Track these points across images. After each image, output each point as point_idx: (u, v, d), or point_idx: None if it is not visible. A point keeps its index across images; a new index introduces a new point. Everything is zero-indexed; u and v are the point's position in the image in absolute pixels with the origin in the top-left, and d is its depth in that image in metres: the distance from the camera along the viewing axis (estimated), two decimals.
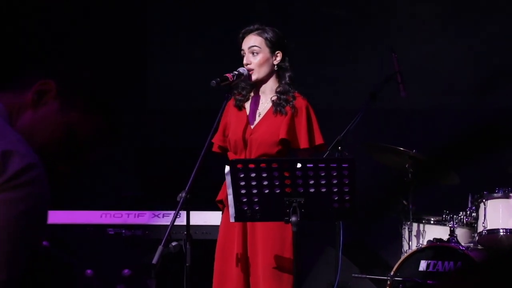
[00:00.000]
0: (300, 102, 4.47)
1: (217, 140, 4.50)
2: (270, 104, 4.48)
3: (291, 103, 4.44)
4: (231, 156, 4.46)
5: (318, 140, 4.45)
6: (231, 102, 4.54)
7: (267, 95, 4.52)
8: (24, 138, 1.92)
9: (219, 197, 4.48)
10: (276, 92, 4.48)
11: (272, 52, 4.49)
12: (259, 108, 4.51)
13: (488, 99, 6.83)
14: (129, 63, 7.27)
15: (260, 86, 4.52)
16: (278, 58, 4.50)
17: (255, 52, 4.48)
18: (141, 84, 7.38)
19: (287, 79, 4.48)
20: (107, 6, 7.14)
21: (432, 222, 5.95)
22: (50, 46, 7.07)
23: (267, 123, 4.45)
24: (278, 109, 4.44)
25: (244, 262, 4.38)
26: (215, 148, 4.50)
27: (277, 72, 4.51)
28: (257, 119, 4.48)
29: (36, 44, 7.08)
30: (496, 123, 6.60)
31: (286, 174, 3.95)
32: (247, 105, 4.53)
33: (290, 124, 4.42)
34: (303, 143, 4.42)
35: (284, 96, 4.45)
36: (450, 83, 6.95)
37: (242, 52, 4.52)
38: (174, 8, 7.34)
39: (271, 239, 4.36)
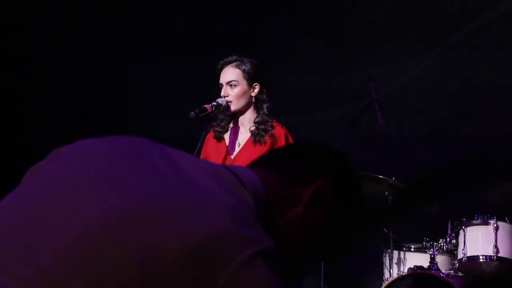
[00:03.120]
0: (279, 130, 4.49)
1: None
2: (249, 135, 4.50)
3: (269, 132, 4.46)
4: None
5: None
6: (210, 134, 4.56)
7: (246, 126, 4.54)
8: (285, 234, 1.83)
9: None
10: (255, 122, 4.50)
11: (250, 84, 4.52)
12: (238, 139, 4.53)
13: (467, 128, 6.88)
14: (108, 92, 7.27)
15: (239, 117, 4.54)
16: (256, 90, 4.52)
17: (233, 85, 4.50)
18: (121, 113, 7.38)
19: (265, 109, 4.51)
20: (86, 38, 7.15)
21: (412, 249, 5.96)
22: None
23: (247, 154, 4.47)
24: (257, 139, 4.46)
25: None
26: None
27: (255, 103, 4.54)
28: (237, 149, 4.50)
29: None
30: (475, 151, 6.64)
31: None
32: (226, 136, 4.55)
33: None
34: None
35: (263, 126, 4.48)
36: (428, 111, 7.00)
37: (220, 84, 4.55)
38: (154, 36, 7.37)
39: None
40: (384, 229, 5.92)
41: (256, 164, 1.94)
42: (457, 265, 5.74)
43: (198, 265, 1.67)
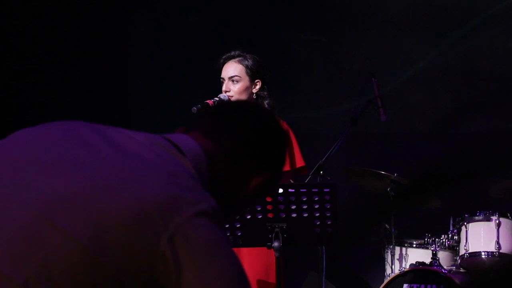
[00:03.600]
0: None
1: None
2: None
3: None
4: None
5: (299, 162, 4.48)
6: None
7: None
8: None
9: None
10: None
11: (252, 81, 4.51)
12: None
13: (469, 124, 6.88)
14: (111, 89, 7.28)
15: None
16: (258, 87, 4.53)
17: (235, 81, 4.50)
18: (123, 110, 7.39)
19: (266, 106, 4.51)
20: (88, 34, 7.15)
21: (414, 245, 5.96)
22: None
23: None
24: None
25: None
26: None
27: (255, 99, 4.54)
28: None
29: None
30: (477, 147, 6.64)
31: (268, 199, 3.96)
32: None
33: None
34: (285, 166, 4.45)
35: None
36: (430, 107, 7.00)
37: (221, 78, 4.55)
38: (155, 33, 7.37)
39: (255, 266, 4.36)
40: (386, 225, 5.93)
41: (193, 129, 2.01)
42: (459, 261, 5.74)
43: (141, 230, 1.72)
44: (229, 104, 2.54)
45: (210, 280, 1.74)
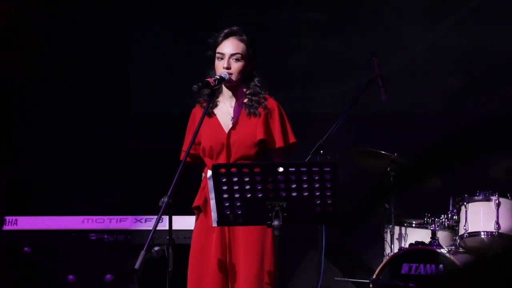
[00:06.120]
0: (272, 103, 4.48)
1: (186, 148, 4.45)
2: (242, 108, 4.48)
3: (263, 104, 4.45)
4: (207, 161, 4.45)
5: (292, 138, 4.48)
6: (197, 110, 4.53)
7: (236, 99, 4.51)
8: None
9: (195, 203, 4.47)
10: (247, 94, 4.48)
11: (250, 60, 4.49)
12: (230, 112, 4.51)
13: (469, 103, 6.87)
14: (110, 70, 7.26)
15: (231, 91, 4.51)
16: (253, 66, 4.51)
17: (237, 59, 4.47)
18: (122, 90, 7.37)
19: (256, 82, 4.49)
20: (88, 13, 7.13)
21: (413, 225, 5.98)
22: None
23: (243, 126, 4.45)
24: (252, 111, 4.44)
25: (223, 268, 4.37)
26: (182, 157, 4.42)
27: (247, 77, 4.51)
28: (231, 123, 4.48)
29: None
30: (477, 127, 6.63)
31: (269, 178, 3.96)
32: (216, 111, 4.51)
33: (265, 124, 4.45)
34: (278, 142, 4.45)
35: (256, 98, 4.47)
36: (431, 86, 6.99)
37: (219, 54, 4.47)
38: (156, 12, 7.34)
39: (251, 245, 4.35)
40: (386, 205, 5.93)
41: None
42: (458, 241, 5.75)
43: None
44: None
45: None
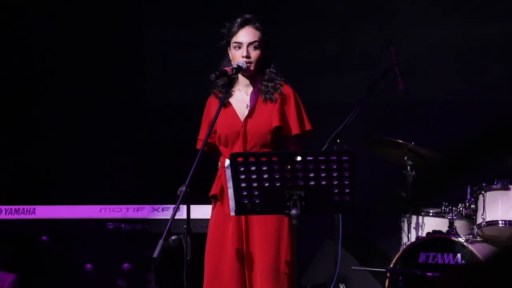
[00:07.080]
0: (288, 89, 4.48)
1: (203, 137, 4.46)
2: (258, 95, 4.48)
3: (278, 90, 4.45)
4: (223, 150, 4.45)
5: (308, 126, 4.47)
6: (212, 100, 4.53)
7: (252, 87, 4.51)
8: None
9: (212, 192, 4.48)
10: (264, 81, 4.47)
11: (266, 49, 4.49)
12: (246, 100, 4.50)
13: (485, 94, 6.84)
14: (127, 58, 7.27)
15: (246, 79, 4.51)
16: (267, 53, 4.50)
17: (255, 47, 4.46)
18: (140, 78, 7.38)
19: (271, 68, 4.48)
20: (105, 5, 7.14)
21: (431, 214, 5.96)
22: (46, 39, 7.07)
23: (259, 113, 4.45)
24: (268, 96, 4.44)
25: (240, 257, 4.38)
26: (199, 146, 4.42)
27: (261, 66, 4.50)
28: (247, 110, 4.47)
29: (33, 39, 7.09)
30: (495, 118, 6.60)
31: (287, 167, 3.95)
32: (232, 99, 4.51)
33: (281, 111, 4.44)
34: (295, 129, 4.45)
35: (272, 84, 4.46)
36: (448, 76, 6.96)
37: (236, 43, 4.46)
38: (171, 2, 7.35)
39: (268, 233, 4.36)
40: (403, 194, 5.92)
41: None
42: (476, 230, 5.73)
43: None
44: None
45: None
